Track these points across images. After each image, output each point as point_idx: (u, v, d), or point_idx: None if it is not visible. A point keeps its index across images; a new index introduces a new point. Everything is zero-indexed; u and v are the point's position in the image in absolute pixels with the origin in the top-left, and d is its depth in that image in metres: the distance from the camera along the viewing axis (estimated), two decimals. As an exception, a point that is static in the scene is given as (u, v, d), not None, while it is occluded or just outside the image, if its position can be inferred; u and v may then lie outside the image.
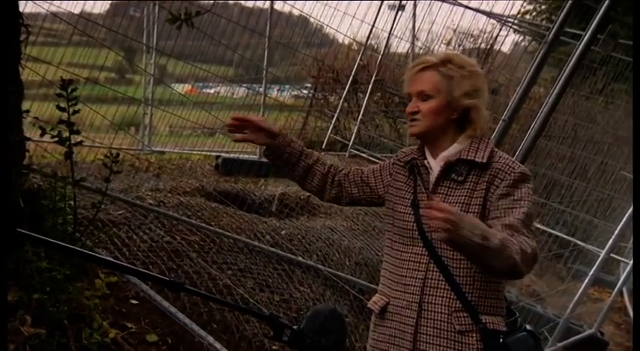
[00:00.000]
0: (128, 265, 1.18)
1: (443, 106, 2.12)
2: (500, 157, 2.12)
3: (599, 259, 5.85)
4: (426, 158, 2.20)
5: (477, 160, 2.09)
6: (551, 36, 3.77)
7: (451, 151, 2.14)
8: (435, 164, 2.16)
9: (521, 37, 11.20)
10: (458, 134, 2.16)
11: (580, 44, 3.74)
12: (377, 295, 2.28)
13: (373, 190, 2.32)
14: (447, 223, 1.75)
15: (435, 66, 2.14)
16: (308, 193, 6.25)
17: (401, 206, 2.19)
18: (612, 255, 6.10)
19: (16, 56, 3.31)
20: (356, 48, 9.82)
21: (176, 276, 3.93)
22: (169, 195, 5.17)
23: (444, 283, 2.09)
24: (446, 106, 2.13)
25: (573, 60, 3.74)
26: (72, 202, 3.45)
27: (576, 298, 5.65)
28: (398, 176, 2.26)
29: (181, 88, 9.07)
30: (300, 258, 4.78)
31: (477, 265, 1.98)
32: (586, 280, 5.72)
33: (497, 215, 2.02)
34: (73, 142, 3.33)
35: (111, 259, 1.38)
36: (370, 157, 8.58)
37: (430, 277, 2.10)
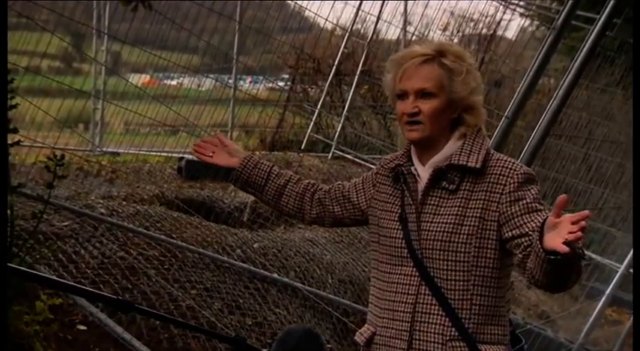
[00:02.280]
0: (67, 282, 1.17)
1: (446, 106, 2.12)
2: (498, 159, 2.12)
3: (618, 275, 5.91)
4: (413, 164, 2.19)
5: (469, 164, 2.09)
6: (561, 20, 3.81)
7: (441, 155, 2.14)
8: (423, 171, 2.16)
9: (529, 22, 11.31)
10: (450, 134, 2.16)
11: (594, 29, 3.79)
12: (365, 325, 2.28)
13: (355, 207, 2.32)
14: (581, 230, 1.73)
15: (434, 58, 2.13)
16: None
17: (387, 221, 2.19)
18: (632, 270, 6.17)
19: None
20: (340, 34, 9.85)
21: (131, 297, 3.90)
22: (124, 203, 5.14)
23: (436, 308, 2.08)
24: (448, 104, 2.12)
25: (586, 47, 3.79)
26: (9, 212, 3.42)
27: (591, 319, 5.70)
28: (382, 187, 2.26)
29: (138, 80, 9.04)
30: (275, 275, 4.77)
31: (552, 281, 1.90)
32: (602, 300, 5.78)
33: (516, 225, 2.01)
34: (9, 141, 3.30)
35: (49, 276, 1.37)
36: (356, 159, 8.60)
37: (421, 301, 2.10)
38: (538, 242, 1.83)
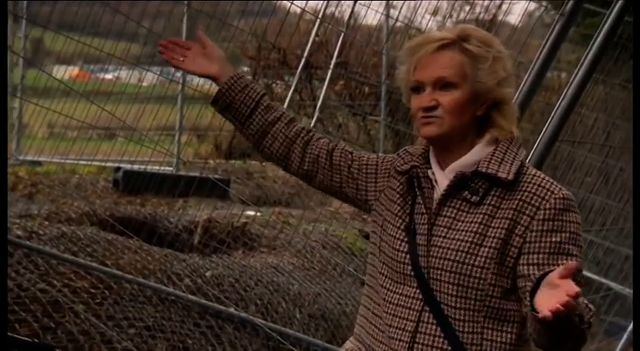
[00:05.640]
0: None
1: (470, 99, 2.13)
2: (534, 175, 2.13)
3: (642, 306, 5.96)
4: (430, 168, 2.20)
5: (500, 175, 2.09)
6: (571, 3, 3.86)
7: (466, 160, 2.14)
8: (442, 177, 2.16)
9: (535, 5, 11.44)
10: (476, 137, 2.17)
11: (610, 14, 3.84)
12: (349, 340, 2.28)
13: (360, 191, 2.32)
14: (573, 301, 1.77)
15: (454, 43, 2.14)
16: (244, 220, 6.27)
17: (392, 227, 2.19)
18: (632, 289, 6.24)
19: None
20: (310, 19, 9.90)
21: (54, 339, 3.87)
22: (46, 223, 5.12)
23: (440, 341, 2.09)
24: (473, 97, 2.13)
25: (602, 35, 3.83)
26: None
27: (611, 360, 5.75)
28: (395, 183, 2.25)
29: (64, 73, 8.98)
30: (232, 309, 4.76)
31: (543, 341, 1.96)
32: (624, 337, 5.83)
33: (535, 262, 2.03)
34: None
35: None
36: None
37: (422, 330, 2.11)
38: (528, 294, 1.88)
